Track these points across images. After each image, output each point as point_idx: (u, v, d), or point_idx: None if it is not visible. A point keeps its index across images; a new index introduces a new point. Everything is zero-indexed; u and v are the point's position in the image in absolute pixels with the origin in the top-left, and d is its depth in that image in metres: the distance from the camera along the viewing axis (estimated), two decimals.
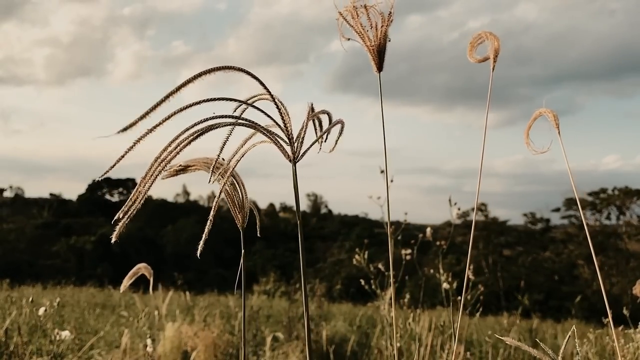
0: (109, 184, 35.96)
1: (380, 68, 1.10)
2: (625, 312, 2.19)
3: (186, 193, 39.89)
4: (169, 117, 0.64)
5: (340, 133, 0.89)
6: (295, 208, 0.85)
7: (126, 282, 1.82)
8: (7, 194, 40.44)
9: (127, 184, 35.83)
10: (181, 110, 0.65)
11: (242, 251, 0.92)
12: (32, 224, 30.26)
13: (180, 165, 0.88)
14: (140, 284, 2.25)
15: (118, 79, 67.59)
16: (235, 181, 0.93)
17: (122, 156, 0.64)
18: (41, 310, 2.43)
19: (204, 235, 0.75)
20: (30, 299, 2.86)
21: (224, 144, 0.74)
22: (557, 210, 28.12)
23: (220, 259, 27.15)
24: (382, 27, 1.08)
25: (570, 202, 27.26)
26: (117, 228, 0.70)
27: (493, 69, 1.27)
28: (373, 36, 1.08)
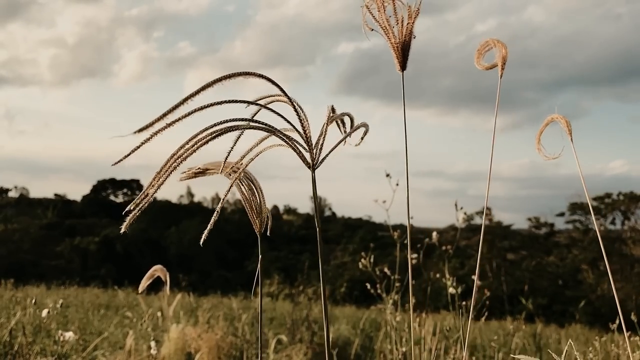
0: (113, 185, 36.03)
1: (403, 67, 1.06)
2: (632, 317, 2.17)
3: (190, 194, 39.93)
4: (185, 116, 0.65)
5: (365, 133, 0.88)
6: (313, 213, 0.84)
7: (144, 283, 1.82)
8: (12, 194, 40.54)
9: (132, 185, 35.89)
10: (198, 110, 0.66)
11: (260, 256, 0.91)
12: (36, 224, 30.31)
13: (199, 168, 0.88)
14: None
15: (123, 80, 67.67)
16: (253, 186, 0.92)
17: (137, 147, 0.65)
18: (44, 312, 2.42)
19: (206, 230, 0.76)
20: (33, 300, 2.87)
21: (234, 144, 0.75)
22: (562, 214, 28.05)
23: (223, 260, 27.15)
24: (408, 22, 1.03)
25: (574, 207, 27.18)
26: (128, 219, 0.71)
27: (501, 76, 1.26)
28: (398, 32, 1.03)
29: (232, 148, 0.75)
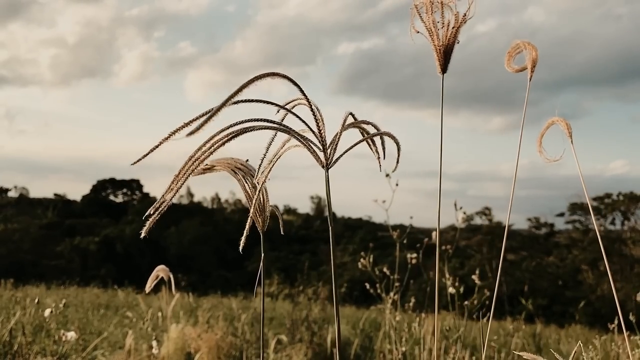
0: (113, 184, 36.00)
1: (444, 69, 1.07)
2: (631, 317, 2.17)
3: (190, 194, 39.88)
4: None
5: (399, 151, 0.87)
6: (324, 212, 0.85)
7: (150, 283, 1.84)
8: (12, 194, 40.52)
9: (132, 185, 35.86)
10: (218, 109, 0.65)
11: (262, 255, 0.91)
12: (36, 224, 30.28)
13: (206, 165, 0.89)
14: (144, 285, 2.24)
15: (124, 80, 67.59)
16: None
17: (157, 145, 0.65)
18: (47, 312, 2.42)
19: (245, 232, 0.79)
20: (36, 299, 2.87)
21: (267, 149, 0.76)
22: (562, 215, 28.06)
23: (223, 260, 27.14)
24: (453, 27, 1.04)
25: (574, 207, 27.19)
26: (147, 224, 0.72)
27: (530, 79, 1.26)
28: (442, 35, 1.05)
29: (264, 155, 0.77)
